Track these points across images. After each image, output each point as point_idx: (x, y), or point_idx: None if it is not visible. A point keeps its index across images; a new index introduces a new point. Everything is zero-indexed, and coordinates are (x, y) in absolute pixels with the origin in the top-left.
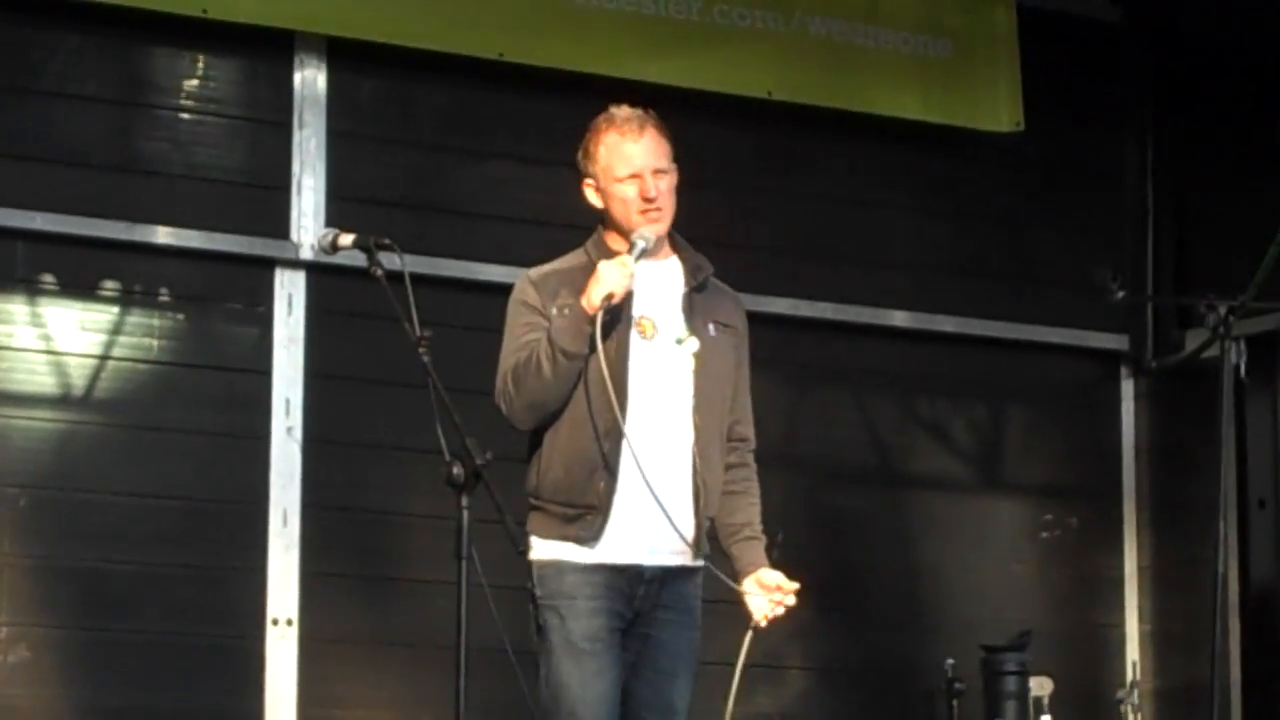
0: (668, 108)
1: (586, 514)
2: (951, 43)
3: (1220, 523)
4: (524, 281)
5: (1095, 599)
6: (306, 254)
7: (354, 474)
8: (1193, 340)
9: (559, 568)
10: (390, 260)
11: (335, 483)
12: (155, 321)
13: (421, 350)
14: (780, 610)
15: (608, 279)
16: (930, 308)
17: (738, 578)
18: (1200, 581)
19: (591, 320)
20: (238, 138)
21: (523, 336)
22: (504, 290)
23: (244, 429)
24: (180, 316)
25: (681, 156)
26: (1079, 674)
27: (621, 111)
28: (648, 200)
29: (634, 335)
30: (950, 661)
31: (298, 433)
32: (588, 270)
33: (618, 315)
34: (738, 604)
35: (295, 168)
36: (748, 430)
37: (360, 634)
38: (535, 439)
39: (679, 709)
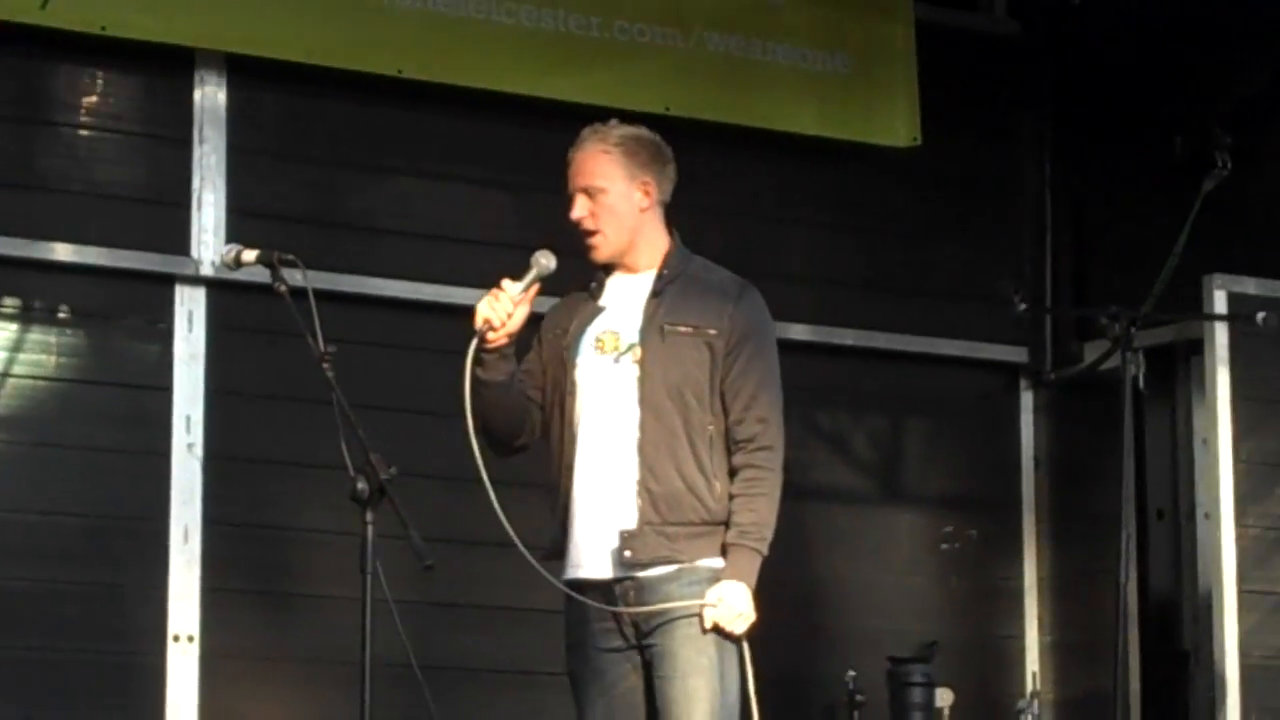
0: (565, 124)
1: (556, 530)
2: (849, 58)
3: (1124, 533)
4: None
5: (995, 610)
6: (207, 270)
7: (256, 490)
8: (1091, 352)
9: (565, 597)
10: (293, 276)
11: (237, 499)
12: (54, 338)
13: (325, 366)
14: (717, 622)
15: (479, 310)
16: (830, 321)
17: None
18: (1098, 592)
19: (480, 348)
20: (138, 154)
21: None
22: (406, 306)
23: (145, 446)
24: (80, 333)
25: None
26: (979, 685)
27: (585, 130)
28: (574, 223)
29: (589, 354)
30: (851, 674)
31: (199, 449)
32: (581, 297)
33: (499, 353)
34: None
35: (195, 184)
36: (754, 429)
37: (263, 650)
38: None
39: (685, 710)
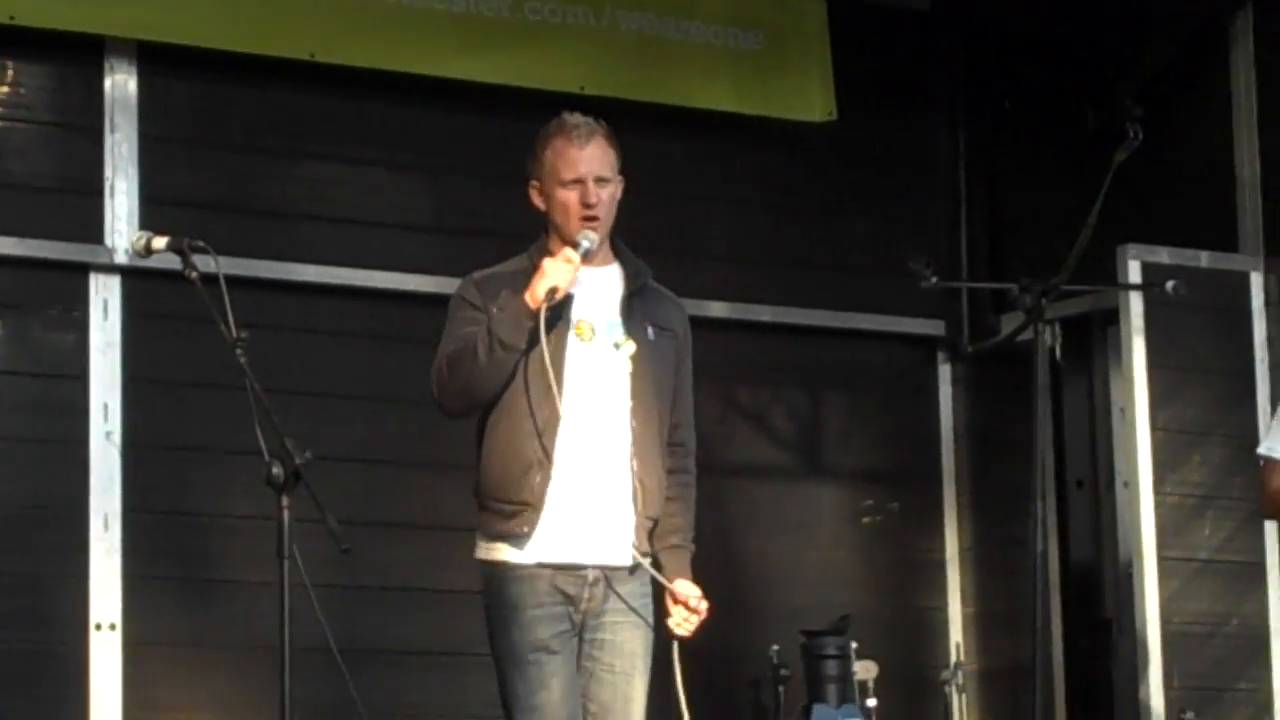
0: (480, 106)
1: (522, 510)
2: (762, 34)
3: (1038, 503)
4: (467, 282)
5: (917, 582)
6: (121, 258)
7: (175, 477)
8: (1008, 324)
9: (502, 575)
10: (205, 262)
11: (156, 486)
12: None
13: (238, 351)
14: (689, 625)
15: (552, 273)
16: (747, 298)
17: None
18: (1021, 562)
19: (533, 314)
20: (49, 144)
21: (462, 329)
22: (319, 290)
23: (62, 435)
24: None
25: (494, 153)
26: (903, 657)
27: (572, 118)
28: (587, 207)
29: (571, 338)
30: (775, 648)
31: (117, 437)
32: (529, 274)
33: (557, 317)
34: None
35: (108, 172)
36: (686, 434)
37: (185, 637)
38: (478, 438)
39: (636, 709)
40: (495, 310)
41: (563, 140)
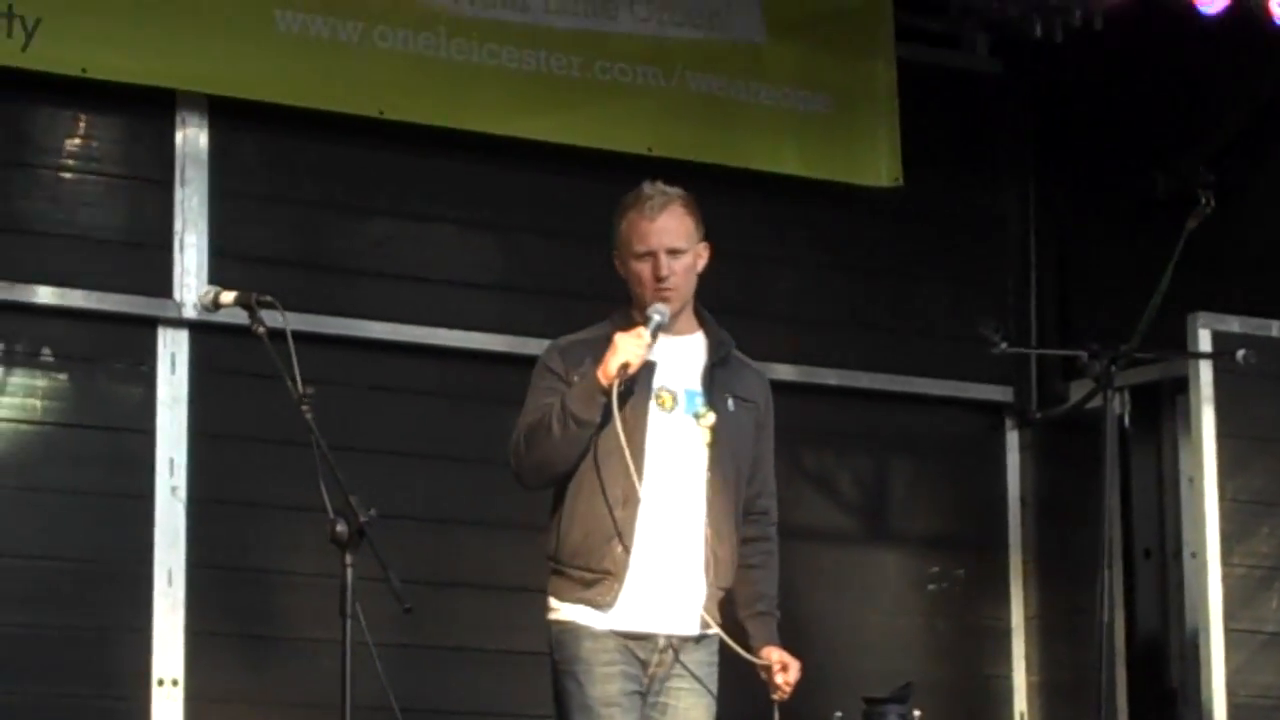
0: (547, 164)
1: (603, 579)
2: (831, 97)
3: (1105, 573)
4: (551, 349)
5: (983, 650)
6: (189, 312)
7: (239, 533)
8: (1077, 391)
9: (576, 632)
10: (272, 318)
11: (220, 542)
12: (38, 382)
13: (304, 408)
14: (786, 688)
15: (623, 350)
16: (814, 361)
17: (753, 654)
18: (1086, 632)
19: (605, 390)
20: (119, 196)
21: (542, 399)
22: (386, 347)
23: (128, 489)
24: (63, 376)
25: (561, 212)
26: None
27: (650, 189)
28: (659, 280)
29: (653, 407)
30: (839, 715)
31: (182, 492)
32: (604, 341)
33: (634, 387)
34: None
35: (178, 226)
36: (769, 503)
37: (247, 694)
38: (555, 502)
39: None
40: (572, 382)
41: (635, 213)
